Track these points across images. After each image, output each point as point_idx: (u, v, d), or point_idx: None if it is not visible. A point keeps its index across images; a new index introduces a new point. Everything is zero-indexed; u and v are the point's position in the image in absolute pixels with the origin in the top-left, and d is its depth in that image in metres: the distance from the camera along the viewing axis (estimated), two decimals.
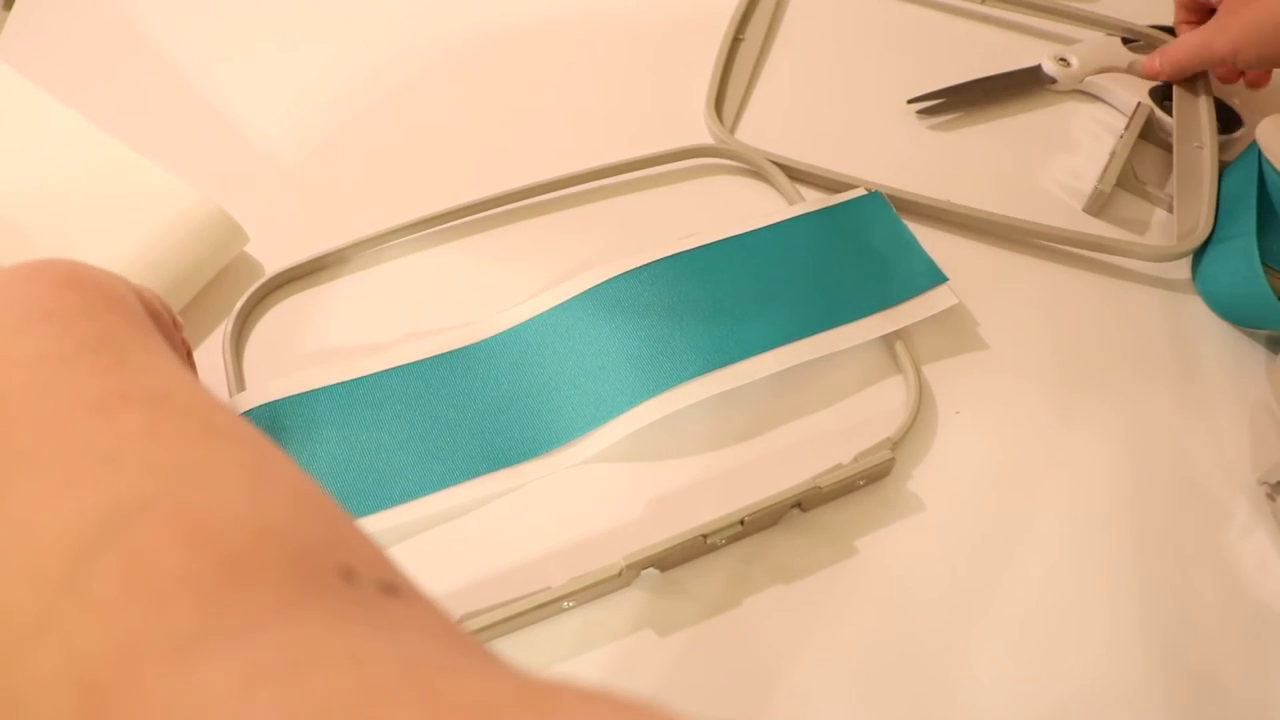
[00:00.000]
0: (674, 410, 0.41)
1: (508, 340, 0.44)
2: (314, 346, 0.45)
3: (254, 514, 0.17)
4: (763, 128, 0.54)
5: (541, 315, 0.44)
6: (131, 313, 0.26)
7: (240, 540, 0.16)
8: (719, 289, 0.45)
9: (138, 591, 0.15)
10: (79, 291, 0.24)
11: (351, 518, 0.20)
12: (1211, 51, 0.51)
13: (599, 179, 0.50)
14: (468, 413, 0.42)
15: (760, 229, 0.47)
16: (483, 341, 0.44)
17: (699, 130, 0.52)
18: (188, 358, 0.33)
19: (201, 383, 0.23)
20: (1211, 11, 0.53)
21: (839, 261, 0.46)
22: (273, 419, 0.40)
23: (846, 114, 0.55)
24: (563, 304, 0.44)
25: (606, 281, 0.44)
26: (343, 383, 0.42)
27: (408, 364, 0.43)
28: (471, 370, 0.43)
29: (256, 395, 0.41)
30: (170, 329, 0.30)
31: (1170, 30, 0.58)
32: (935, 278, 0.46)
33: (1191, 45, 0.52)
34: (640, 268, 0.45)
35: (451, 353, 0.43)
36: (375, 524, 0.39)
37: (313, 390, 0.41)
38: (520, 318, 0.44)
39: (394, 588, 0.17)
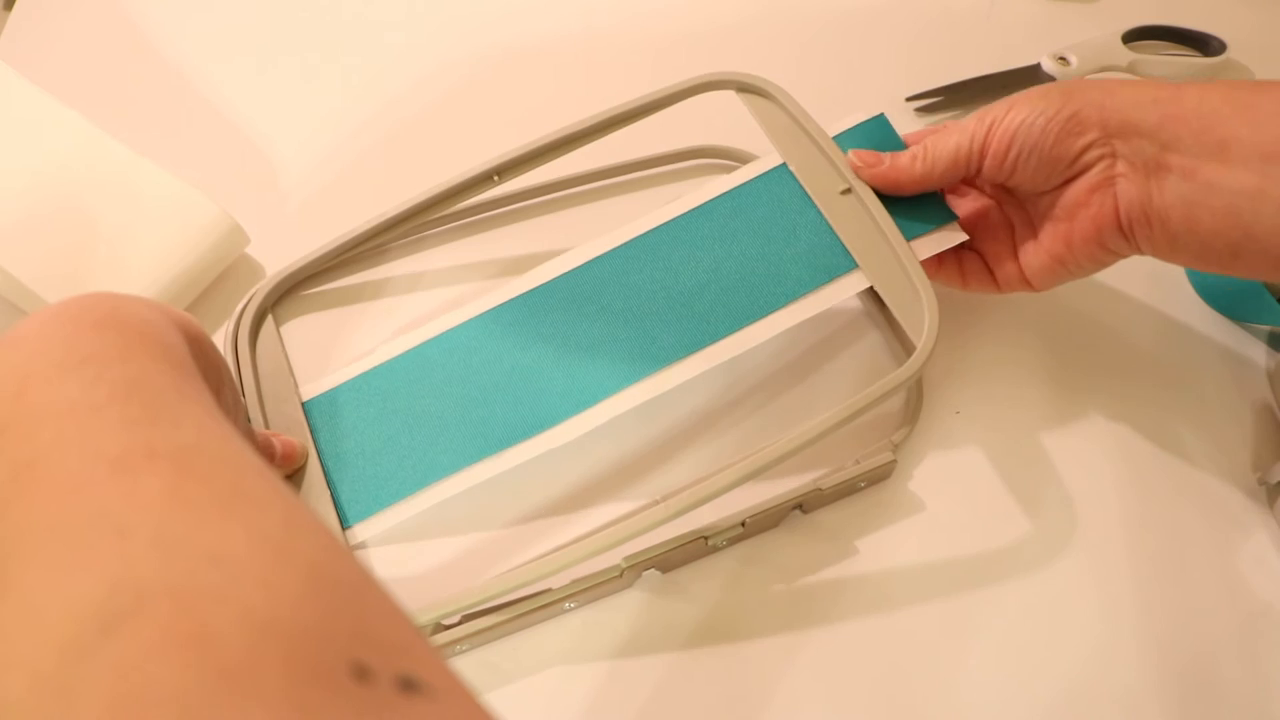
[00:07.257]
0: (659, 394, 0.39)
1: (483, 325, 0.42)
2: (309, 350, 0.45)
3: (262, 600, 0.16)
4: None
5: (508, 303, 0.42)
6: (171, 352, 0.25)
7: (240, 640, 0.15)
8: (699, 262, 0.42)
9: (121, 712, 0.14)
10: (118, 332, 0.24)
11: (379, 589, 0.18)
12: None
13: (600, 179, 0.50)
14: (447, 402, 0.40)
15: (734, 189, 0.43)
16: (459, 326, 0.42)
17: (700, 131, 0.52)
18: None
19: (235, 432, 0.22)
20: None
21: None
22: None
23: (845, 112, 0.54)
24: (533, 290, 0.43)
25: (581, 266, 0.43)
26: (329, 390, 0.42)
27: (385, 362, 0.42)
28: (450, 361, 0.42)
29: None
30: (211, 353, 0.30)
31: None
32: (945, 216, 0.42)
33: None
34: (615, 249, 0.43)
35: (429, 342, 0.42)
36: (369, 528, 0.39)
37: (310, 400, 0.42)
38: (486, 306, 0.43)
39: (415, 683, 0.16)
